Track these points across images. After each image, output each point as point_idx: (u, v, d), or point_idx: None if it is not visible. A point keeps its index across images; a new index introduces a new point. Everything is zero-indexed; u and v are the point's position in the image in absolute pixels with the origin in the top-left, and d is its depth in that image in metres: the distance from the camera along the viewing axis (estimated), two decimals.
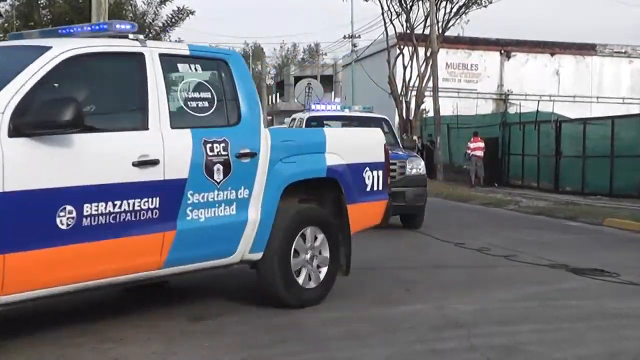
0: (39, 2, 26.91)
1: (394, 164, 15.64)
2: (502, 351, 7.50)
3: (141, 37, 8.31)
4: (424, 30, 40.11)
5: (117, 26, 8.03)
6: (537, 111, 35.25)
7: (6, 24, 29.58)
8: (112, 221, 7.25)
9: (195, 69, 8.58)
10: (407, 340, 7.92)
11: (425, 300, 9.77)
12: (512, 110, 42.64)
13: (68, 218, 6.89)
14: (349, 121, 19.48)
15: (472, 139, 34.34)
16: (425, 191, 17.28)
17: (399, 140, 19.64)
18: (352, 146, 10.07)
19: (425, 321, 8.71)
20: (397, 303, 9.60)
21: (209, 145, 8.15)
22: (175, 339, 7.87)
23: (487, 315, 9.07)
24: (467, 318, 8.82)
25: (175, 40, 29.08)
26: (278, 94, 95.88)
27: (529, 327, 8.52)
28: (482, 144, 34.02)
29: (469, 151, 34.13)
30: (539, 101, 38.88)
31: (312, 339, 7.97)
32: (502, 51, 52.63)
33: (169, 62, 8.27)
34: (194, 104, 8.38)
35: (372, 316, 8.96)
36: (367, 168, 10.09)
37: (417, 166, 17.17)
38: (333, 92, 78.80)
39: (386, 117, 19.60)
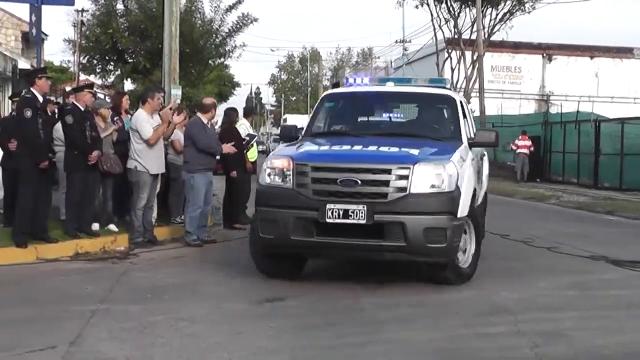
0: (117, 12, 27.15)
1: (385, 171, 9.09)
2: (547, 336, 7.48)
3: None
4: (470, 35, 39.91)
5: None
6: (578, 111, 34.92)
7: (88, 32, 29.96)
8: None
9: None
10: (452, 324, 7.94)
11: (472, 287, 9.76)
12: (553, 110, 42.22)
13: None
14: (394, 102, 12.53)
15: (520, 137, 34.06)
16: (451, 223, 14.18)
17: (463, 130, 16.39)
18: None
19: (472, 307, 8.73)
20: (445, 290, 9.59)
21: None
22: (241, 320, 7.97)
23: (532, 302, 9.04)
24: (513, 305, 8.82)
25: (240, 45, 29.27)
26: None
27: (572, 314, 8.49)
28: (529, 142, 33.79)
29: (515, 148, 33.87)
30: (579, 102, 38.55)
31: (366, 322, 8.03)
32: (544, 54, 52.18)
33: None
34: None
35: (420, 301, 9.00)
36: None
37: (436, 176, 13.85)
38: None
39: (453, 96, 12.17)
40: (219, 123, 15.67)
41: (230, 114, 15.98)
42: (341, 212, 9.04)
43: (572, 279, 10.67)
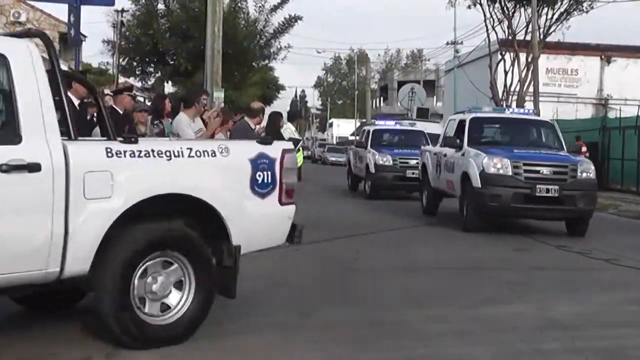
0: (158, 12, 27.36)
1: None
2: (606, 355, 7.38)
3: None
4: (525, 36, 39.56)
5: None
6: (638, 116, 34.42)
7: (127, 33, 30.23)
8: None
9: None
10: (511, 339, 7.85)
11: (527, 301, 9.67)
12: (611, 114, 41.72)
13: None
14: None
15: (575, 142, 33.74)
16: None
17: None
18: None
19: (529, 322, 8.62)
20: (500, 303, 9.52)
21: None
22: (288, 331, 7.94)
23: (590, 318, 8.92)
24: (570, 320, 8.71)
25: (285, 47, 29.34)
26: (382, 98, 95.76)
27: (632, 331, 8.37)
28: (584, 148, 33.47)
29: None
30: (639, 106, 37.99)
31: (419, 335, 7.96)
32: (603, 56, 51.56)
33: None
34: None
35: (476, 315, 8.89)
36: None
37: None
38: (435, 97, 78.37)
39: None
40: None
41: (274, 119, 16.01)
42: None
43: (633, 293, 10.53)
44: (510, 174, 16.14)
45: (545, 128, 19.19)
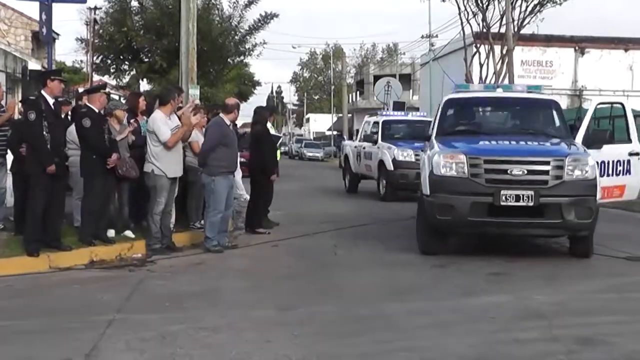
0: (131, 9, 27.25)
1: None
2: (583, 342, 7.43)
3: None
4: (499, 29, 39.66)
5: None
6: (612, 106, 34.66)
7: (101, 30, 30.08)
8: None
9: None
10: (490, 329, 7.91)
11: (507, 291, 9.73)
12: (586, 105, 41.89)
13: None
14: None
15: None
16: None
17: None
18: None
19: (507, 312, 8.68)
20: (480, 294, 9.58)
21: None
22: (266, 328, 7.95)
23: (568, 306, 8.98)
24: (549, 309, 8.76)
25: (260, 43, 29.29)
26: (358, 93, 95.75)
27: (609, 319, 8.44)
28: None
29: None
30: (613, 96, 38.21)
31: (400, 328, 7.99)
32: (577, 48, 51.74)
33: None
34: None
35: (454, 306, 8.95)
36: None
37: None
38: (411, 90, 78.37)
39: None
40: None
41: (262, 112, 15.99)
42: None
43: (609, 282, 10.61)
44: (466, 175, 11.96)
45: (543, 109, 14.64)
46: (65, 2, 17.46)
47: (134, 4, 27.57)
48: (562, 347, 7.24)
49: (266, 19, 27.92)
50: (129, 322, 8.18)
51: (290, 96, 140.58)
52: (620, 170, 14.48)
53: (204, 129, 13.87)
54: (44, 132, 11.20)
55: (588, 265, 11.94)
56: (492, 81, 39.32)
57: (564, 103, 49.02)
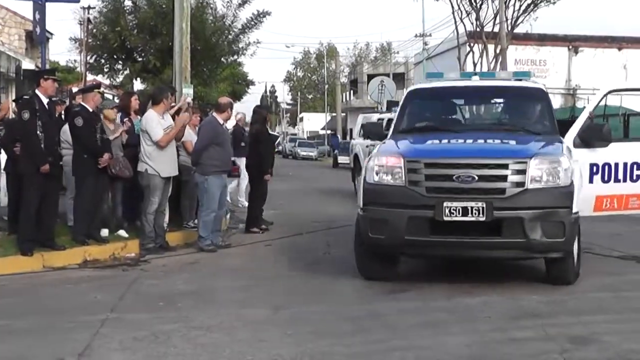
0: (125, 9, 27.17)
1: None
2: (577, 341, 7.43)
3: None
4: (493, 28, 39.75)
5: None
6: (605, 105, 34.67)
7: (95, 30, 30.01)
8: None
9: None
10: (484, 329, 7.91)
11: (500, 290, 9.72)
12: (580, 104, 41.97)
13: None
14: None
15: None
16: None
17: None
18: None
19: (501, 311, 8.67)
20: (473, 293, 9.55)
21: None
22: (259, 327, 7.95)
23: (562, 305, 8.99)
24: (542, 308, 8.78)
25: (254, 42, 29.26)
26: (352, 92, 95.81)
27: (603, 317, 8.44)
28: None
29: None
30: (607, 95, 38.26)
31: (393, 327, 7.98)
32: (570, 46, 51.90)
33: None
34: None
35: (448, 306, 8.95)
36: None
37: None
38: (405, 89, 78.23)
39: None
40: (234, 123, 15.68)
41: (261, 112, 16.00)
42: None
43: (602, 280, 10.59)
44: (403, 183, 9.67)
45: (526, 99, 12.24)
46: (58, 1, 17.47)
47: (128, 3, 27.47)
48: (556, 346, 7.24)
49: (259, 17, 27.86)
50: (122, 322, 8.17)
51: (284, 95, 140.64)
52: (638, 175, 11.67)
53: (197, 128, 13.87)
54: (38, 132, 11.18)
55: (582, 264, 11.90)
56: None
57: (557, 102, 49.15)
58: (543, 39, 50.99)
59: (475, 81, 12.52)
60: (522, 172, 9.48)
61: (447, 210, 9.35)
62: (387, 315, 8.49)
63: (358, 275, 10.67)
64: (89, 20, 41.42)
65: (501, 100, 12.93)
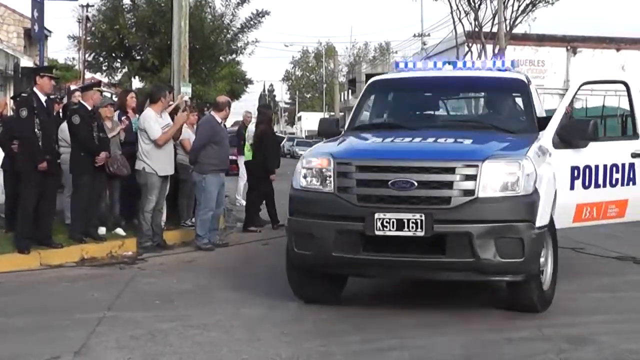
0: (123, 7, 27.16)
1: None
2: (574, 341, 7.43)
3: None
4: (491, 28, 39.77)
5: None
6: (603, 106, 34.64)
7: (93, 28, 30.01)
8: None
9: None
10: (480, 329, 7.90)
11: (495, 290, 9.70)
12: (578, 105, 41.96)
13: None
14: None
15: None
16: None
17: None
18: None
19: (497, 312, 8.66)
20: (467, 294, 9.54)
21: None
22: (256, 326, 7.94)
23: (558, 306, 8.94)
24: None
25: (252, 42, 29.28)
26: (350, 91, 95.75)
27: (600, 318, 8.44)
28: None
29: None
30: (604, 96, 38.22)
31: (390, 327, 7.97)
32: (569, 47, 51.94)
33: None
34: None
35: (443, 306, 8.92)
36: None
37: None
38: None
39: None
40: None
41: (267, 112, 16.04)
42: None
43: (598, 281, 10.62)
44: (332, 189, 8.23)
45: (501, 92, 10.78)
46: None
47: (126, 1, 27.46)
48: (553, 347, 7.24)
49: (258, 16, 27.86)
50: (119, 320, 8.17)
51: (282, 94, 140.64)
52: (618, 179, 10.25)
53: (195, 127, 13.87)
54: (36, 129, 11.18)
55: (577, 264, 11.91)
56: None
57: (555, 102, 49.13)
58: (541, 40, 51.02)
59: (446, 71, 10.99)
60: (473, 177, 7.91)
61: (378, 223, 7.87)
62: (384, 315, 8.48)
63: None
64: (87, 18, 41.39)
65: (474, 92, 11.52)
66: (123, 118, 13.34)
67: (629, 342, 7.46)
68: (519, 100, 10.49)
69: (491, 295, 9.39)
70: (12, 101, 14.39)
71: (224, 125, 13.74)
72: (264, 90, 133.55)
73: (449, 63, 11.32)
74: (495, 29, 38.83)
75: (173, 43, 17.64)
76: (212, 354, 7.00)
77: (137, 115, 13.51)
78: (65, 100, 15.82)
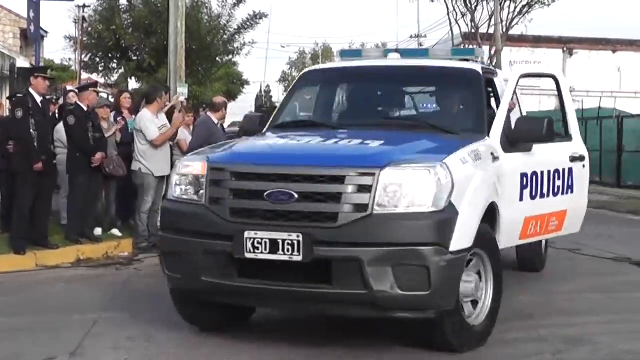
0: (120, 7, 27.20)
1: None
2: (570, 342, 7.42)
3: None
4: (488, 30, 39.79)
5: None
6: (599, 107, 34.76)
7: (90, 28, 30.07)
8: None
9: None
10: None
11: (521, 270, 9.69)
12: (575, 106, 42.07)
13: None
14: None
15: None
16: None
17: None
18: None
19: None
20: None
21: None
22: (254, 327, 7.89)
23: (554, 306, 8.99)
24: (534, 309, 8.77)
25: (249, 42, 29.31)
26: None
27: (596, 318, 8.44)
28: None
29: None
30: (601, 97, 38.29)
31: (382, 329, 7.89)
32: (565, 49, 51.92)
33: None
34: None
35: None
36: None
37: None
38: None
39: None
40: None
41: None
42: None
43: (595, 281, 10.62)
44: (203, 200, 6.84)
45: (450, 85, 9.09)
46: None
47: (123, 2, 27.53)
48: (549, 347, 7.24)
49: (255, 18, 27.91)
50: (115, 321, 8.14)
51: (279, 95, 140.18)
52: (559, 187, 8.96)
53: (191, 128, 13.85)
54: (31, 130, 11.17)
55: (573, 265, 11.94)
56: None
57: (552, 103, 49.19)
58: (538, 41, 51.02)
59: (392, 61, 9.46)
60: (367, 189, 6.31)
61: (249, 244, 6.41)
62: (374, 321, 8.45)
63: None
64: (84, 18, 41.45)
65: (418, 85, 9.59)
66: (119, 119, 13.33)
67: (626, 342, 7.46)
68: (469, 94, 8.72)
69: None
70: (8, 102, 14.35)
71: (221, 126, 13.73)
72: (260, 90, 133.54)
73: (397, 51, 9.97)
74: (491, 31, 38.86)
75: (169, 44, 17.65)
76: (208, 357, 6.98)
77: (133, 116, 13.51)
78: (61, 101, 15.81)
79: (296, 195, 6.41)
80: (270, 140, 8.02)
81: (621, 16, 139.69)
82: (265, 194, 6.48)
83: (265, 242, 6.38)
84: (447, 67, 9.20)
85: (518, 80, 8.83)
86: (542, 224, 8.83)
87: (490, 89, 9.08)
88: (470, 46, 40.13)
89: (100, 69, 28.94)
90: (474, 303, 7.07)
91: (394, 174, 6.37)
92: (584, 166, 9.55)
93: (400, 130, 8.10)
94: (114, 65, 28.71)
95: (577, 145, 9.58)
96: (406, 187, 6.34)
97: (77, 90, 13.73)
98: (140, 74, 27.75)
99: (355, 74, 9.50)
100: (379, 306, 6.36)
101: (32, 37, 17.57)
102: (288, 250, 6.32)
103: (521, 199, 8.28)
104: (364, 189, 6.33)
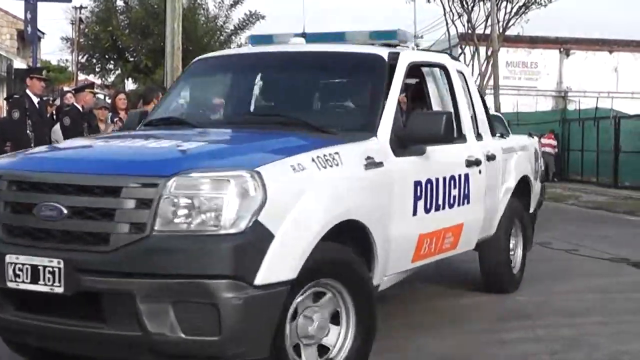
0: (117, 8, 27.22)
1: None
2: (566, 342, 7.41)
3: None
4: (484, 30, 39.83)
5: None
6: (596, 107, 34.81)
7: (86, 29, 30.08)
8: None
9: None
10: (473, 330, 7.88)
11: (488, 292, 9.69)
12: (571, 107, 42.09)
13: None
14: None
15: (546, 135, 33.81)
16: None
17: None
18: None
19: (490, 313, 8.66)
20: (459, 295, 9.50)
21: None
22: None
23: (551, 307, 8.97)
24: (531, 309, 8.75)
25: (246, 43, 29.37)
26: None
27: (593, 319, 8.42)
28: (553, 142, 33.94)
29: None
30: (597, 98, 38.35)
31: (381, 328, 7.91)
32: (562, 49, 51.93)
33: None
34: None
35: (435, 307, 8.90)
36: None
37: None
38: None
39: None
40: None
41: None
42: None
43: (592, 282, 10.60)
44: None
45: (348, 74, 7.61)
46: (50, 1, 17.48)
47: (120, 3, 27.62)
48: (546, 348, 7.22)
49: (251, 18, 27.94)
50: None
51: None
52: (455, 197, 7.50)
53: None
54: (28, 131, 11.17)
55: (570, 265, 11.92)
56: (476, 82, 39.47)
57: (549, 104, 49.27)
58: (534, 42, 51.05)
59: (290, 46, 7.87)
60: (147, 203, 4.84)
61: (10, 270, 5.05)
62: None
63: None
64: (80, 19, 41.42)
65: (315, 73, 7.68)
66: (116, 120, 13.32)
67: (622, 343, 7.46)
68: (365, 87, 7.27)
69: (486, 296, 9.40)
70: (5, 103, 14.35)
71: None
72: None
73: (303, 35, 8.14)
74: (488, 31, 38.89)
75: (166, 45, 17.64)
76: None
77: None
78: (58, 102, 15.81)
79: (66, 211, 4.99)
80: (85, 142, 6.82)
81: (618, 17, 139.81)
82: (35, 208, 5.09)
83: (27, 269, 5.01)
84: (346, 53, 7.52)
85: (407, 71, 7.13)
86: (437, 241, 7.27)
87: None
88: (468, 47, 40.23)
89: (97, 69, 29.00)
90: (323, 349, 5.57)
91: (183, 184, 4.85)
92: (480, 172, 8.00)
93: (262, 130, 6.54)
94: (111, 66, 28.78)
95: (472, 147, 8.01)
96: (198, 202, 4.82)
97: (73, 91, 13.72)
98: (137, 75, 27.80)
99: (240, 63, 8.21)
100: (157, 352, 4.92)
101: (29, 38, 17.55)
102: (49, 279, 4.95)
103: (415, 213, 6.74)
104: (143, 203, 4.85)
